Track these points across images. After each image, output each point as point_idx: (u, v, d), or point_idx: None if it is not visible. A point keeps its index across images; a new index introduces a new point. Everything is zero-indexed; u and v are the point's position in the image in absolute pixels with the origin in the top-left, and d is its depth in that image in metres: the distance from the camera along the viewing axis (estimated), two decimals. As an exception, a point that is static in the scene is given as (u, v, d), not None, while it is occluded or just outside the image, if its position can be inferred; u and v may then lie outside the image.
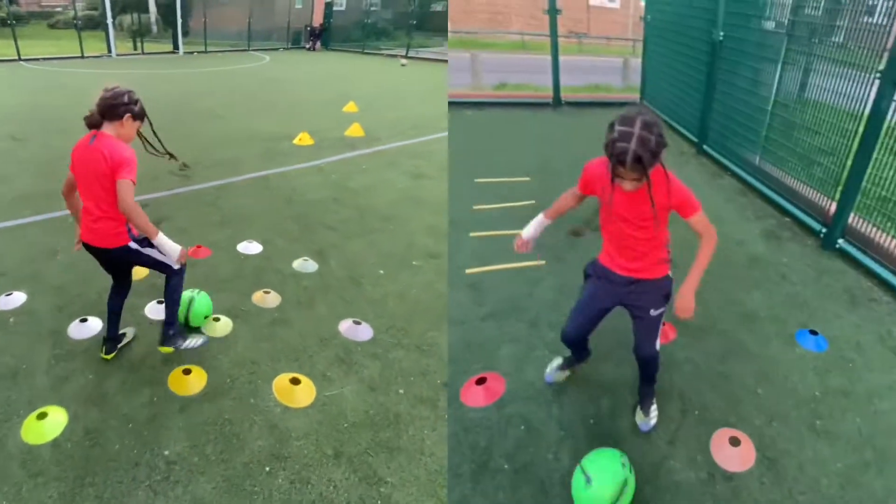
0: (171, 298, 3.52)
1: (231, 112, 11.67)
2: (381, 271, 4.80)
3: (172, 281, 3.48)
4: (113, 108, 3.17)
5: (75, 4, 24.25)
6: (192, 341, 3.67)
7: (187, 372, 3.42)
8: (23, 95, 13.18)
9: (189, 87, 15.46)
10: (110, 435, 2.99)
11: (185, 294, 3.77)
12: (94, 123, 3.17)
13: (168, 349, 3.57)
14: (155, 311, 4.03)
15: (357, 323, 3.96)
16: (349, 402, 3.25)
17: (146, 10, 28.97)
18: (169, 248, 3.23)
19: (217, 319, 3.96)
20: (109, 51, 22.86)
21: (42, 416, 3.07)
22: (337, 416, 3.15)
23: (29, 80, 16.14)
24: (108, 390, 3.30)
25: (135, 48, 24.70)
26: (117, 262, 3.41)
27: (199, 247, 5.05)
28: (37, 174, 7.03)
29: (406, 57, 24.87)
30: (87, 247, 3.31)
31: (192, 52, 24.70)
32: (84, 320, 3.93)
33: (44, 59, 20.51)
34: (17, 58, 20.16)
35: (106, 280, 3.73)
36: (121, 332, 3.65)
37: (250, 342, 3.76)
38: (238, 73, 18.89)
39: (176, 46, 24.65)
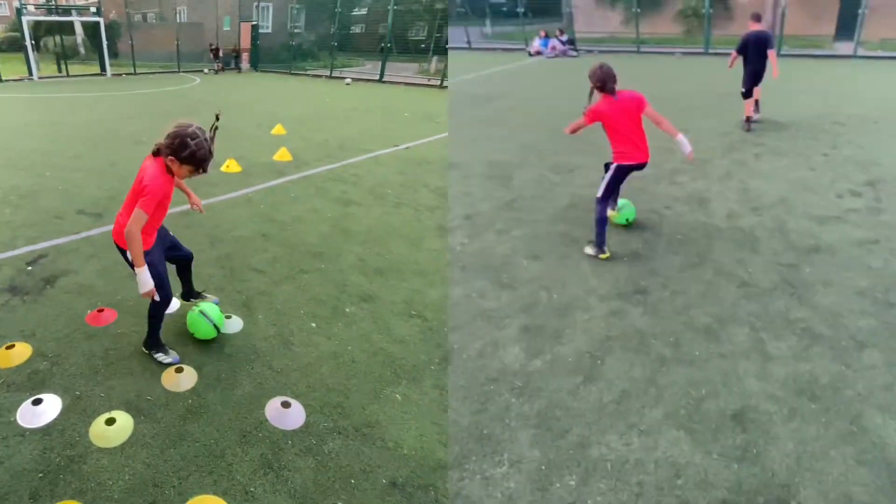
0: (149, 315, 3.34)
1: (156, 137, 10.14)
2: (313, 324, 3.84)
3: (152, 309, 3.32)
4: (161, 145, 3.12)
5: None
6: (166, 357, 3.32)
7: None
8: None
9: (114, 110, 13.74)
10: None
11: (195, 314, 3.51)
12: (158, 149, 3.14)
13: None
14: (28, 414, 2.91)
15: (286, 405, 2.99)
16: None
17: (72, 32, 26.36)
18: (141, 281, 3.04)
19: (111, 422, 2.85)
20: (31, 73, 20.49)
21: None
22: None
23: None
24: None
25: (59, 70, 22.28)
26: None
27: (100, 310, 3.89)
28: None
29: (332, 77, 23.66)
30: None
31: (120, 74, 22.45)
32: None
33: None
34: None
35: None
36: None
37: (155, 452, 2.69)
38: (167, 96, 17.04)
39: (103, 68, 22.34)
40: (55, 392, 3.09)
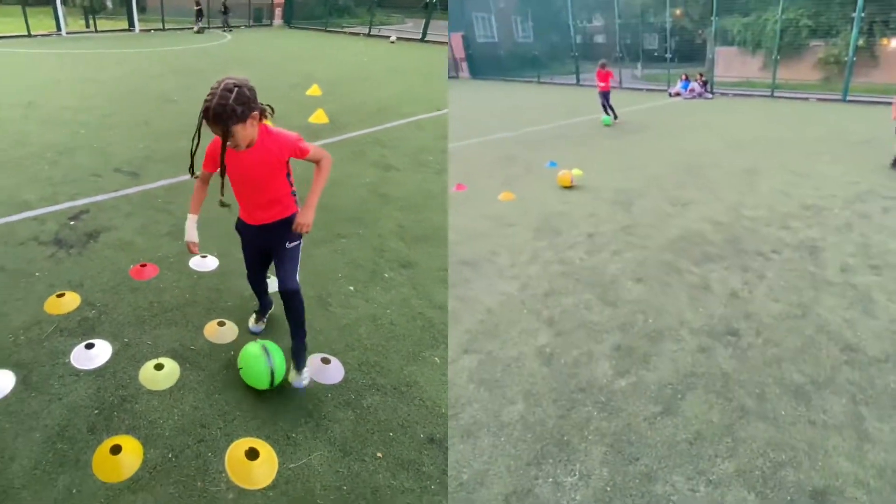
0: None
1: (187, 96, 10.50)
2: (351, 287, 4.12)
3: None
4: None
5: None
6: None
7: (116, 450, 2.64)
8: None
9: (143, 68, 14.21)
10: None
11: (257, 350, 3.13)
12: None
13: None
14: (82, 357, 3.27)
15: (326, 361, 3.28)
16: (318, 476, 2.61)
17: None
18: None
19: (159, 367, 3.19)
20: (59, 28, 21.06)
21: None
22: (303, 496, 2.50)
23: None
24: (14, 480, 2.51)
25: (87, 25, 22.89)
26: None
27: (143, 265, 4.27)
28: None
29: (370, 35, 23.81)
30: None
31: (148, 30, 23.06)
32: None
33: None
34: None
35: (25, 314, 3.56)
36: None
37: (201, 396, 3.03)
38: (196, 53, 17.45)
39: (131, 24, 23.03)
40: (105, 338, 3.46)
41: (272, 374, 3.03)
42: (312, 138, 7.89)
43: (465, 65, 27.02)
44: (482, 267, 5.02)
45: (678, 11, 21.38)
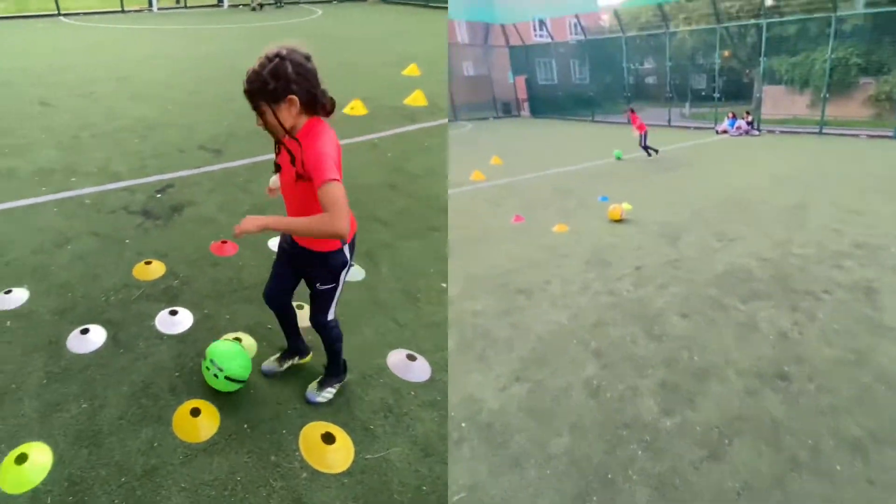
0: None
1: None
2: (444, 284, 4.08)
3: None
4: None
5: None
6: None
7: (196, 412, 2.73)
8: (57, 55, 12.32)
9: (231, 45, 14.32)
10: (97, 491, 2.37)
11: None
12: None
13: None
14: (166, 322, 3.40)
15: (411, 358, 3.25)
16: (396, 471, 2.57)
17: None
18: None
19: (238, 340, 3.24)
20: (150, 5, 21.30)
21: (22, 458, 2.48)
22: (379, 489, 2.47)
23: (65, 37, 15.11)
24: (103, 426, 2.71)
25: (177, 2, 23.06)
26: None
27: (224, 242, 4.36)
28: (59, 146, 6.41)
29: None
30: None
31: (237, 6, 22.91)
32: (85, 331, 3.30)
33: (83, 13, 19.18)
34: (56, 12, 18.94)
35: (115, 277, 3.70)
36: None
37: (276, 375, 3.08)
38: (286, 29, 17.29)
39: (220, 0, 22.99)
40: (186, 307, 3.59)
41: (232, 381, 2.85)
42: (407, 122, 7.78)
43: (526, 104, 27.66)
44: (535, 295, 4.96)
45: (727, 53, 21.07)
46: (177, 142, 6.67)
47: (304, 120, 2.28)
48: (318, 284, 2.63)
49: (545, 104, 26.69)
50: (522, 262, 5.82)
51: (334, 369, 2.96)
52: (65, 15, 18.88)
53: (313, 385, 2.98)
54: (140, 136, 6.85)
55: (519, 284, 5.21)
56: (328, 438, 2.66)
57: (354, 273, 3.99)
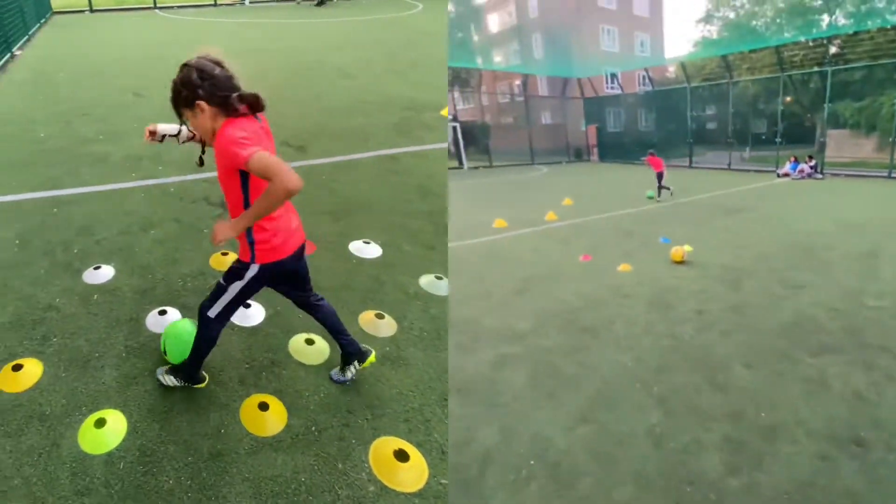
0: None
1: (365, 72, 9.89)
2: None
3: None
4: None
5: None
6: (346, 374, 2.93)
7: (264, 406, 2.70)
8: (151, 47, 12.19)
9: (322, 39, 13.73)
10: (166, 465, 2.40)
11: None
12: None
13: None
14: (238, 314, 3.17)
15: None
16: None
17: None
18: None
19: (310, 342, 3.14)
20: None
21: (101, 422, 2.58)
22: None
23: (160, 30, 15.29)
24: (174, 405, 2.74)
25: None
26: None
27: None
28: None
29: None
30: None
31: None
32: (163, 312, 3.37)
33: (178, 6, 19.22)
34: (152, 6, 19.16)
35: (193, 264, 3.72)
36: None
37: (347, 382, 2.96)
38: (381, 24, 15.91)
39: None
40: (259, 302, 3.49)
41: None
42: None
43: (596, 150, 28.46)
44: (601, 334, 4.79)
45: (789, 98, 20.55)
46: None
47: (221, 121, 2.29)
48: (222, 278, 2.59)
49: (613, 150, 27.32)
50: (589, 300, 5.66)
51: (188, 368, 2.78)
52: (160, 8, 19.00)
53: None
54: None
55: (585, 322, 5.05)
56: (402, 456, 2.51)
57: (440, 286, 3.71)
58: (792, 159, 17.90)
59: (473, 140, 26.61)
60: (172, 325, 3.02)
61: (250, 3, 20.88)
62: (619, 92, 28.05)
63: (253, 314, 3.41)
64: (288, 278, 2.74)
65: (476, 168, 23.62)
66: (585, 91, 28.24)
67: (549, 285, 6.20)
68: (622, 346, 4.54)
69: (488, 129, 28.64)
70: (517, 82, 30.64)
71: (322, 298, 2.89)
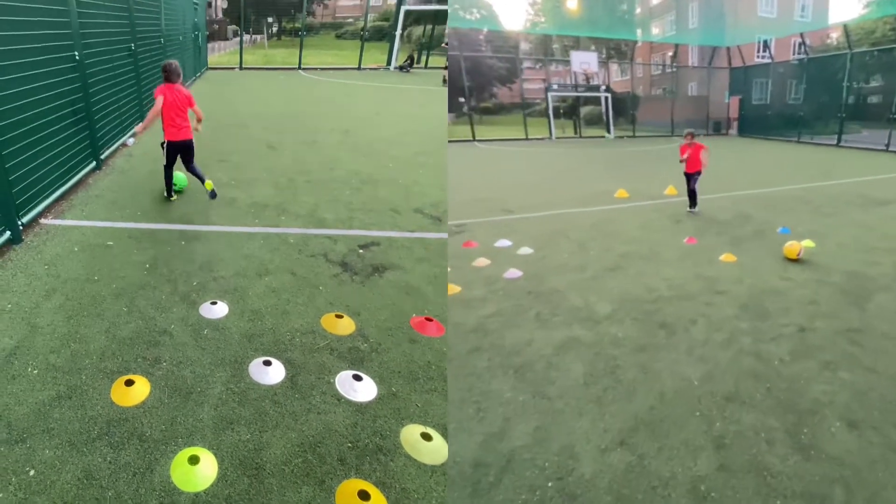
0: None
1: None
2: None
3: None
4: (178, 74, 4.91)
5: (367, 16, 19.63)
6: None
7: (364, 496, 1.98)
8: (291, 103, 11.13)
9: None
10: None
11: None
12: (171, 80, 4.81)
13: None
14: (347, 384, 2.65)
15: None
16: None
17: (443, 21, 21.30)
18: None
19: (427, 437, 2.31)
20: (389, 63, 18.39)
21: (194, 460, 2.14)
22: None
23: (301, 88, 13.65)
24: (266, 463, 2.17)
25: (417, 61, 19.27)
26: (186, 148, 4.94)
27: (428, 319, 3.20)
28: (276, 185, 5.59)
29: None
30: (175, 143, 4.89)
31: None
32: (268, 363, 2.72)
33: (321, 68, 17.77)
34: (297, 66, 17.71)
35: (303, 319, 3.09)
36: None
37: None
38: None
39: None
40: (372, 377, 2.71)
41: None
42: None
43: (735, 123, 23.48)
44: (676, 334, 3.61)
45: None
46: (391, 200, 5.25)
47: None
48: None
49: (754, 123, 22.39)
50: (677, 291, 4.40)
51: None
52: (304, 69, 17.15)
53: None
54: (353, 188, 5.60)
55: (665, 317, 3.90)
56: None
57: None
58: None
59: (623, 110, 23.86)
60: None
61: (394, 69, 18.43)
62: (768, 61, 22.37)
63: (363, 388, 2.59)
64: (179, 151, 4.90)
65: (621, 137, 20.89)
66: (733, 60, 23.11)
67: (643, 266, 5.00)
68: (695, 355, 3.33)
69: (638, 99, 25.45)
70: (670, 53, 26.67)
71: (197, 170, 5.05)
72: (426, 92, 14.12)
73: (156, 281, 3.58)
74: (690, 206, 7.08)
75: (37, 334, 2.92)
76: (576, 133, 22.14)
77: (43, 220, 4.46)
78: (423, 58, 19.90)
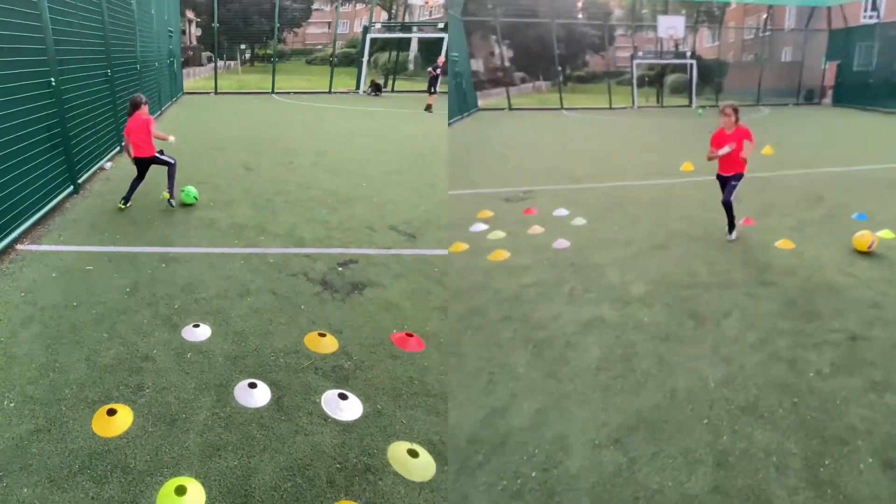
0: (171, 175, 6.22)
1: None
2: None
3: (170, 170, 6.18)
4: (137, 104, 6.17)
5: (335, 43, 24.29)
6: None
7: None
8: (265, 127, 12.58)
9: (435, 126, 13.50)
10: None
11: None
12: (135, 108, 6.16)
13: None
14: (333, 404, 2.99)
15: None
16: None
17: (407, 48, 27.78)
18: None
19: (413, 454, 2.59)
20: (357, 87, 22.07)
21: (181, 490, 2.33)
22: None
23: (274, 112, 16.16)
24: (255, 490, 2.38)
25: (384, 86, 23.23)
26: (150, 162, 6.12)
27: (408, 334, 3.61)
28: (254, 206, 6.31)
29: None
30: (139, 158, 6.18)
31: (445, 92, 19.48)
32: (253, 385, 3.01)
33: (294, 92, 20.64)
34: (270, 91, 21.10)
35: (287, 339, 3.53)
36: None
37: None
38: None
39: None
40: (357, 395, 3.01)
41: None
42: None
43: (830, 92, 23.64)
44: (705, 328, 3.80)
45: None
46: (367, 219, 5.94)
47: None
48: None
49: (851, 92, 22.20)
50: (718, 278, 4.65)
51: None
52: (277, 93, 20.49)
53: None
54: (329, 207, 6.33)
55: (698, 305, 4.16)
56: None
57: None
58: None
59: (709, 78, 24.54)
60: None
61: (363, 91, 21.77)
62: (876, 21, 22.02)
63: (349, 407, 2.89)
64: (144, 166, 6.14)
65: (703, 107, 22.06)
66: (834, 21, 23.04)
67: (689, 247, 5.43)
68: (719, 353, 3.50)
69: (726, 66, 26.10)
70: (764, 16, 27.14)
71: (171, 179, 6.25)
72: (395, 114, 16.07)
73: (137, 305, 3.96)
74: (729, 232, 5.70)
75: (13, 364, 3.18)
76: (658, 102, 23.54)
77: (19, 246, 4.99)
78: (390, 82, 24.33)
